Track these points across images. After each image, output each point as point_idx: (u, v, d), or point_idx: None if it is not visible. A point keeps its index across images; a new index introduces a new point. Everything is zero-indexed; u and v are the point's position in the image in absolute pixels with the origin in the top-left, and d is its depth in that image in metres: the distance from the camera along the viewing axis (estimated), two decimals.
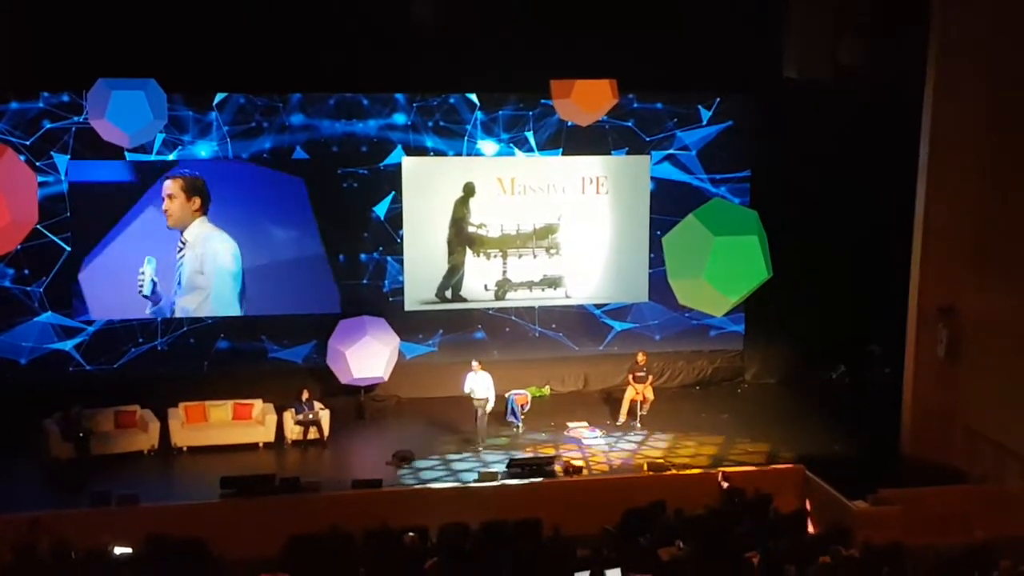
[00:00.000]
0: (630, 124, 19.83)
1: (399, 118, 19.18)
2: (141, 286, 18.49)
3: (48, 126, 17.86)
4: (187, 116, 18.37)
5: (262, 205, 18.96)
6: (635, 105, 19.75)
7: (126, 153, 17.75)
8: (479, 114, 19.42)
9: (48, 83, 17.66)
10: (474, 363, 17.74)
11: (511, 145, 19.58)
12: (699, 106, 20.09)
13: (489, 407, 17.70)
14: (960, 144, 16.24)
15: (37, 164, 17.63)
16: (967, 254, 16.42)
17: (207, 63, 17.34)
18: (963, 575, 11.88)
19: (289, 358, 19.35)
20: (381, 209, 19.35)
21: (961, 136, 16.22)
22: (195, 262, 18.75)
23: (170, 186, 18.52)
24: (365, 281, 19.46)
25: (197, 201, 18.67)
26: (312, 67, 17.89)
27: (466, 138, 19.42)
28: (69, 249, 18.14)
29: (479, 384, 17.56)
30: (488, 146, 19.55)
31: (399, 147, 19.23)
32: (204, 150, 18.51)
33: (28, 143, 17.67)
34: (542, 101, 18.89)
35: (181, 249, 18.69)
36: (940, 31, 16.25)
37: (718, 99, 20.08)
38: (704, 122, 20.13)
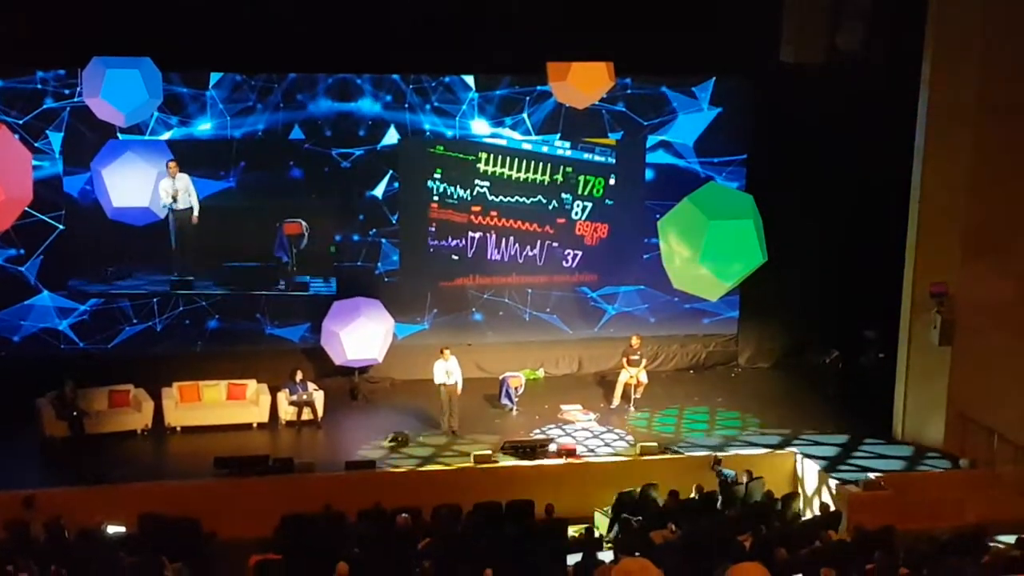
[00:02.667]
0: (627, 107, 19.80)
1: (396, 99, 19.11)
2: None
3: (44, 105, 17.77)
4: (183, 95, 18.29)
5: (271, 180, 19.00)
6: (631, 89, 19.70)
7: (119, 132, 17.64)
8: (476, 96, 19.38)
9: (42, 61, 17.56)
10: (445, 351, 17.70)
11: (508, 127, 19.56)
12: (695, 89, 20.04)
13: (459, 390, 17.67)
14: (957, 128, 16.23)
15: (33, 143, 17.52)
16: (962, 239, 16.43)
17: (203, 42, 17.24)
18: (954, 559, 11.92)
19: (283, 340, 19.35)
20: (376, 190, 19.33)
21: (958, 120, 16.21)
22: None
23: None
24: (359, 263, 19.45)
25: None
26: (308, 47, 17.81)
27: (463, 119, 19.38)
28: (61, 227, 18.07)
29: (454, 369, 17.54)
30: (485, 128, 19.52)
31: (396, 128, 19.19)
32: (199, 129, 18.45)
33: (22, 122, 17.58)
34: (539, 88, 18.92)
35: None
36: (937, 14, 16.22)
37: (714, 83, 20.03)
38: (700, 106, 20.09)
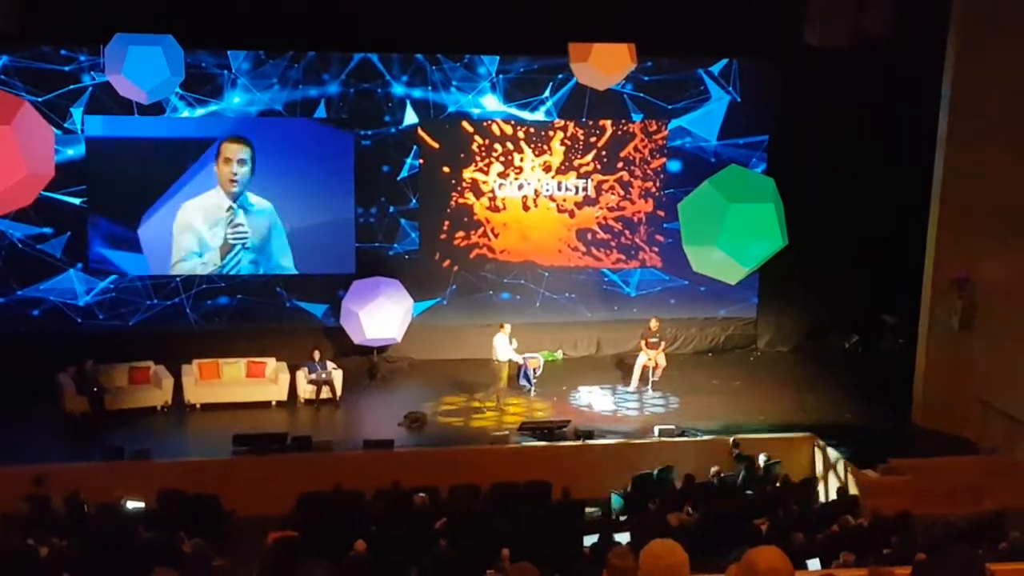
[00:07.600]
0: (649, 89, 19.71)
1: (419, 80, 19.09)
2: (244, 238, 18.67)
3: (68, 83, 17.81)
4: (205, 73, 18.31)
5: (290, 162, 19.00)
6: (653, 72, 19.57)
7: (135, 110, 17.62)
8: (499, 77, 19.33)
9: (66, 39, 17.60)
10: (505, 325, 17.72)
11: (529, 109, 19.51)
12: (717, 71, 19.93)
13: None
14: (980, 113, 16.11)
15: (56, 120, 17.54)
16: (984, 225, 16.33)
17: (226, 20, 17.26)
18: (972, 545, 11.88)
19: (303, 318, 19.41)
20: (397, 171, 19.33)
21: (981, 105, 16.09)
22: (256, 230, 18.90)
23: (240, 151, 18.54)
24: (378, 243, 19.47)
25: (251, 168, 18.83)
26: (333, 26, 17.79)
27: (483, 99, 19.34)
28: (80, 202, 18.12)
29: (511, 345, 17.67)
30: (507, 109, 19.47)
31: (418, 109, 19.16)
32: (221, 107, 18.48)
33: (44, 99, 17.60)
34: (559, 75, 18.90)
35: (233, 211, 18.73)
36: None
37: (737, 64, 19.91)
38: (723, 87, 19.99)
